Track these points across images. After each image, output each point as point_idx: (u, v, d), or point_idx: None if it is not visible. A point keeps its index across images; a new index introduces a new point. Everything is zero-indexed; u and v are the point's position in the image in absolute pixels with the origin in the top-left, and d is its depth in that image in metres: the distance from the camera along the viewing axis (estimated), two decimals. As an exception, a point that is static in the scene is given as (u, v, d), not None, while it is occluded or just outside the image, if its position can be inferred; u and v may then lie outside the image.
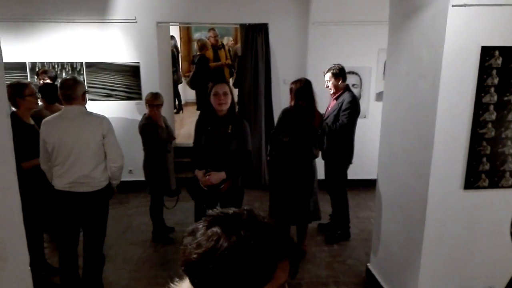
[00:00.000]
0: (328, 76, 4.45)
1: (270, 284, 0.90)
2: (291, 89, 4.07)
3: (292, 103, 4.04)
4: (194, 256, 0.89)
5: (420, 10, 2.88)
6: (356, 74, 5.95)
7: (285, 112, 4.05)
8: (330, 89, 4.45)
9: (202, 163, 3.42)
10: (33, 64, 5.86)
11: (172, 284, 1.01)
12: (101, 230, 3.40)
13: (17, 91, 3.50)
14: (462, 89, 2.65)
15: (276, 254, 0.91)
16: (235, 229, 0.90)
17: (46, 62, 5.88)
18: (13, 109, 3.65)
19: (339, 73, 4.40)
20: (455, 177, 2.79)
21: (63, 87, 3.16)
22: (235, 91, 8.67)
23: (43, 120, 3.21)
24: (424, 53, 2.83)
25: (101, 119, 3.21)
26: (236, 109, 3.51)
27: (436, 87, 2.66)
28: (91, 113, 3.28)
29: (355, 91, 5.97)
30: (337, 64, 4.47)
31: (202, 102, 7.78)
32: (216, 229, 0.91)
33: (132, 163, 5.95)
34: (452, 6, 2.51)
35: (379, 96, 5.82)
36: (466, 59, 2.61)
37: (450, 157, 2.75)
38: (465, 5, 2.51)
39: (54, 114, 3.26)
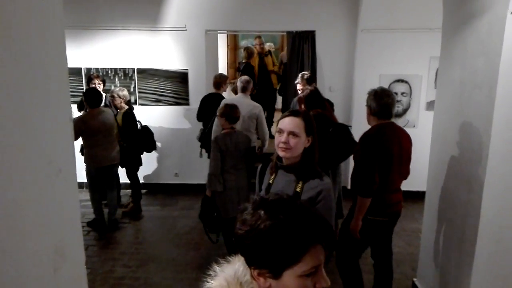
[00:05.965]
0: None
1: (298, 266, 1.01)
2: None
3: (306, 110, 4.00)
4: (239, 231, 1.06)
5: (476, 17, 2.77)
6: (406, 82, 5.80)
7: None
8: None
9: None
10: (88, 70, 6.15)
11: (230, 257, 1.20)
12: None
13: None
14: (521, 100, 2.52)
15: (306, 240, 1.01)
16: (276, 214, 1.03)
17: (101, 68, 6.16)
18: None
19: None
20: (511, 193, 2.65)
21: (241, 82, 4.81)
22: (279, 99, 8.65)
23: (225, 99, 4.88)
24: (479, 62, 2.72)
25: (256, 107, 4.76)
26: (316, 159, 2.21)
27: (492, 98, 2.54)
28: (252, 102, 4.80)
29: (404, 99, 5.86)
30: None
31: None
32: (260, 212, 1.05)
33: (177, 166, 6.11)
34: (511, 13, 2.40)
35: (430, 105, 5.65)
36: (526, 68, 2.48)
37: (506, 172, 2.61)
38: (525, 12, 2.39)
39: (235, 96, 4.90)
